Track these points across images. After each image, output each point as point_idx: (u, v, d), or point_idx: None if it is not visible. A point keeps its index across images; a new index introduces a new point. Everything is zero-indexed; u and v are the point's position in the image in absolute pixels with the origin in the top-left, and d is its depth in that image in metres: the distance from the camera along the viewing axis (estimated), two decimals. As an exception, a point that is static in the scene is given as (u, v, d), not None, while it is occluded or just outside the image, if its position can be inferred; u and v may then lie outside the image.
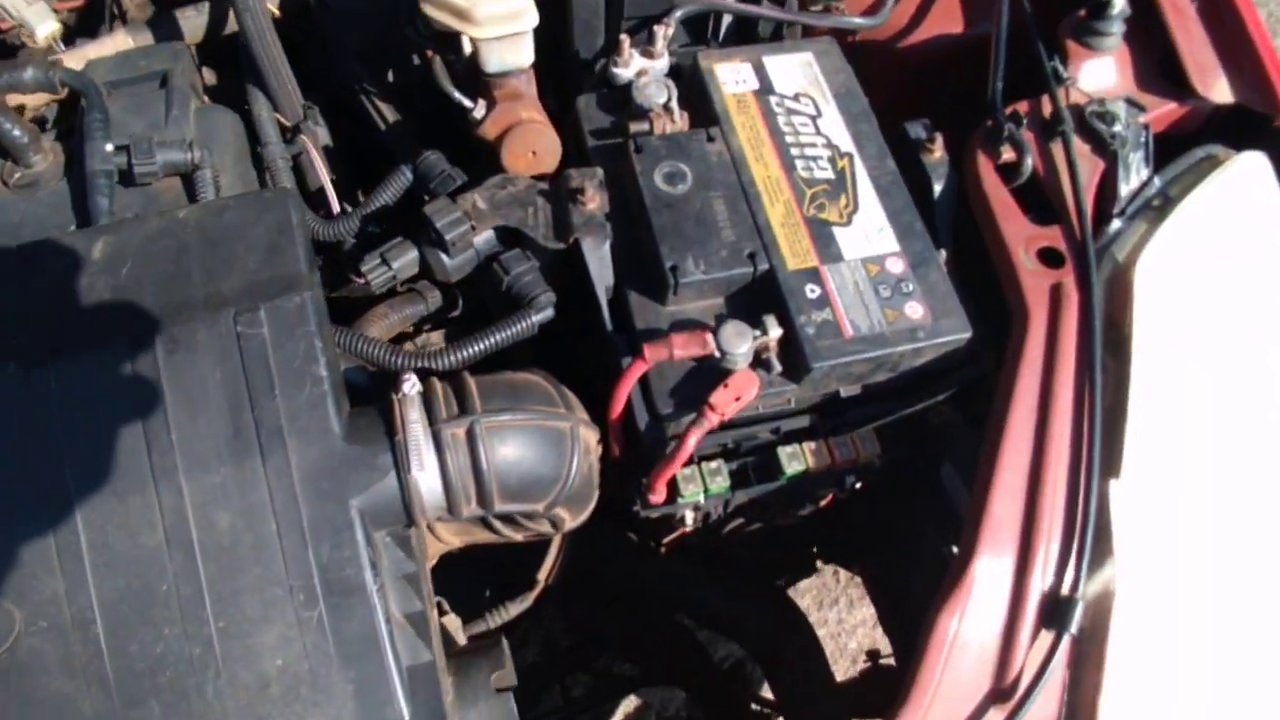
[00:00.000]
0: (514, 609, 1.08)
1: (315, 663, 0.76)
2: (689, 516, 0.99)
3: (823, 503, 1.08)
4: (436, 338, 1.08)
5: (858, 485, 1.05)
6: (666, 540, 1.19)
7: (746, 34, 1.13)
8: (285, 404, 0.78)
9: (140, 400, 0.78)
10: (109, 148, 0.96)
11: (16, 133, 0.99)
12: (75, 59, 1.16)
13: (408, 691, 0.77)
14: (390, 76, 1.22)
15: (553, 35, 1.12)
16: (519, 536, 0.97)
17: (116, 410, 0.78)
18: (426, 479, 0.81)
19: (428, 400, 0.83)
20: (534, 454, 0.85)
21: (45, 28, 1.22)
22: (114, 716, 0.74)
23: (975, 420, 1.05)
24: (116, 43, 1.18)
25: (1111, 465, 0.88)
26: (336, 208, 1.08)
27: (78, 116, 0.99)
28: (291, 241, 0.84)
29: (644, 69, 1.03)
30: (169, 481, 0.77)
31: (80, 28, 1.30)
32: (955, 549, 0.96)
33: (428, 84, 1.10)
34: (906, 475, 1.07)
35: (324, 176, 1.07)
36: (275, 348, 0.80)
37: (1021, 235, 0.94)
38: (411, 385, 0.83)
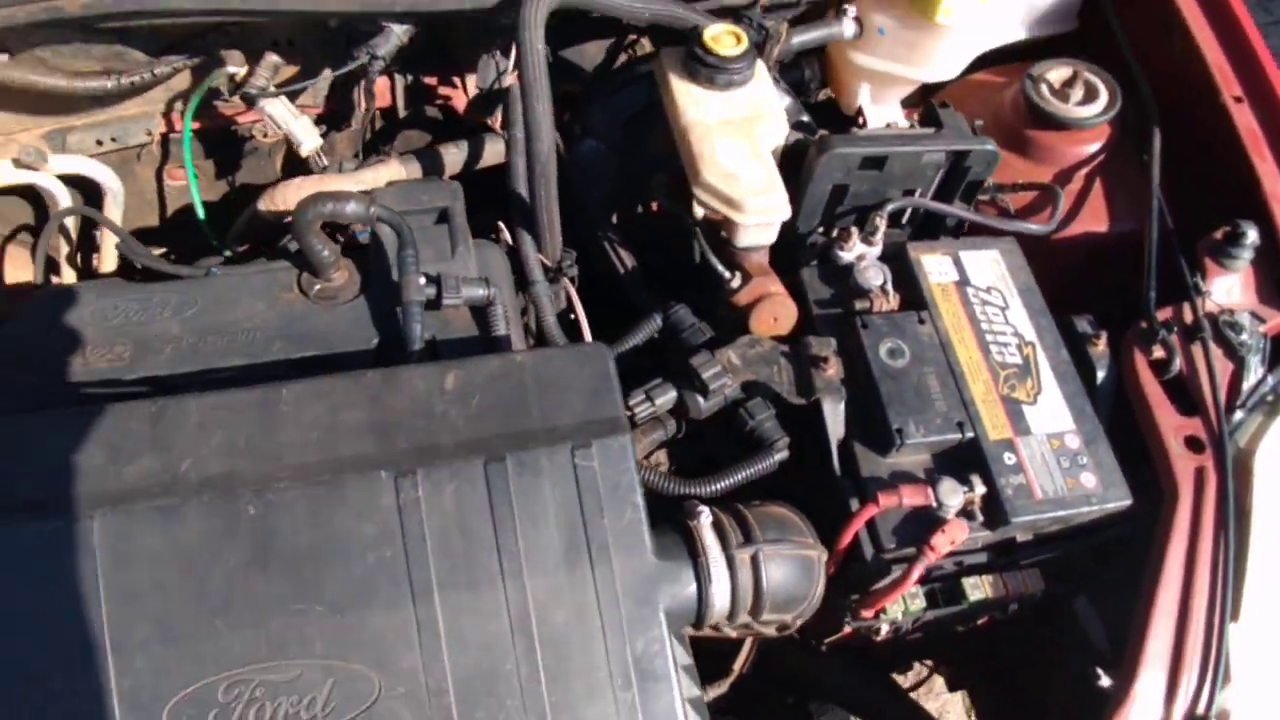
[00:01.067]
0: (712, 692, 1.27)
1: None
2: (884, 630, 1.19)
3: (981, 622, 1.28)
4: (662, 457, 1.28)
5: (1012, 609, 1.25)
6: (828, 640, 1.38)
7: (934, 224, 1.35)
8: (611, 524, 0.98)
9: (494, 510, 0.97)
10: (421, 280, 1.16)
11: (325, 253, 1.18)
12: (351, 181, 1.36)
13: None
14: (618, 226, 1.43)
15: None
16: (742, 633, 1.16)
17: (473, 516, 0.97)
18: (719, 592, 1.01)
19: (719, 528, 1.03)
20: (795, 576, 1.05)
21: (311, 143, 1.43)
22: None
23: (1102, 558, 1.27)
24: (390, 171, 1.39)
25: (1235, 611, 1.10)
26: (589, 340, 1.28)
27: (399, 248, 1.16)
28: (611, 389, 1.04)
29: (863, 254, 1.25)
30: (515, 580, 0.95)
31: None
32: (1100, 672, 1.17)
33: (659, 239, 1.32)
34: (1037, 605, 1.28)
35: (581, 315, 1.28)
36: (604, 478, 0.99)
37: (1171, 424, 1.17)
38: (707, 516, 1.03)
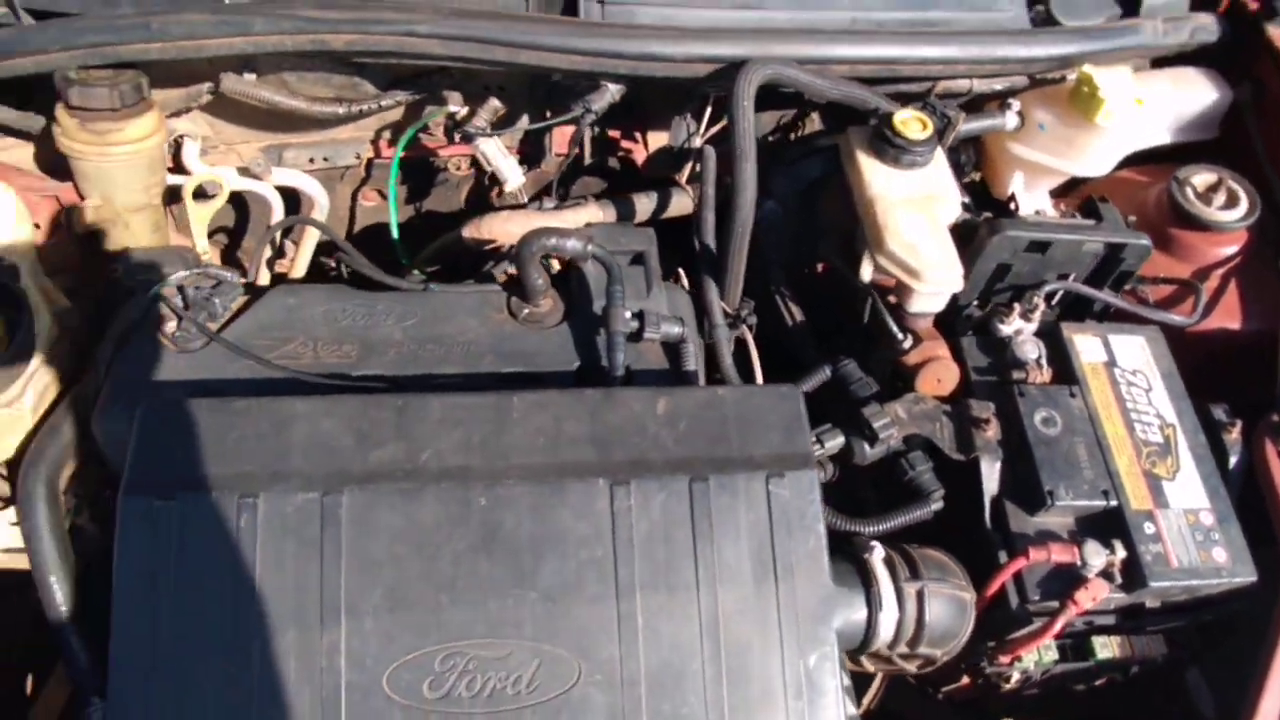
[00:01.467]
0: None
1: None
2: (1015, 678, 1.27)
3: (1100, 683, 1.36)
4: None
5: (1133, 673, 1.33)
6: (945, 689, 1.46)
7: (1083, 307, 1.45)
8: (796, 548, 1.08)
9: (694, 524, 1.08)
10: (626, 314, 1.28)
11: (539, 281, 1.30)
12: (554, 219, 1.49)
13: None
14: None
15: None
16: (881, 669, 1.25)
17: (676, 527, 1.07)
18: (887, 620, 1.11)
19: (890, 563, 1.13)
20: (953, 615, 1.14)
21: (515, 181, 1.58)
22: None
23: (1210, 636, 1.34)
24: (589, 213, 1.52)
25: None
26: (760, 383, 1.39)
27: (609, 283, 1.29)
28: (802, 428, 1.15)
29: (1021, 329, 1.36)
30: (708, 588, 1.06)
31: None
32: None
33: (822, 299, 1.44)
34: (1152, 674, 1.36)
35: (756, 361, 1.39)
36: (792, 507, 1.09)
37: (1297, 509, 1.25)
38: (880, 552, 1.13)
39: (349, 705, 0.98)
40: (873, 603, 1.11)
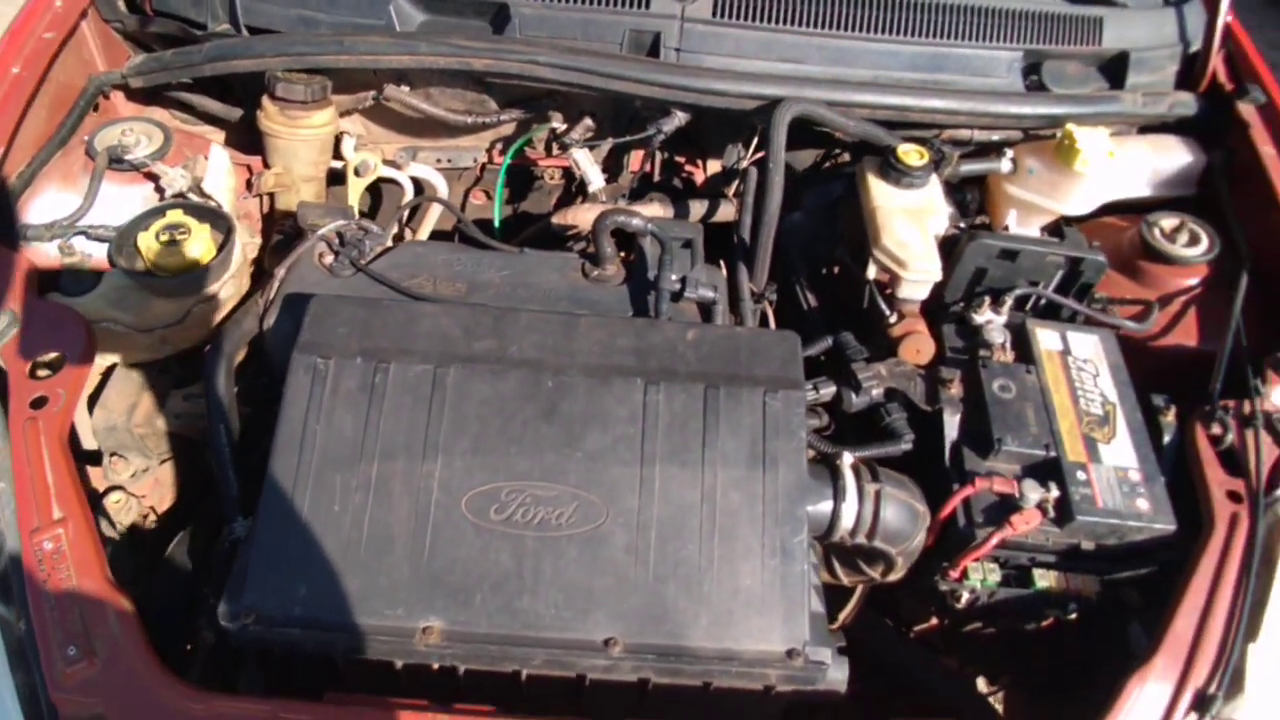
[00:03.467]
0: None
1: (767, 588, 1.31)
2: (965, 597, 1.53)
3: (1045, 623, 1.60)
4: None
5: (1072, 616, 1.57)
6: (916, 628, 1.73)
7: (1051, 315, 1.75)
8: (782, 446, 1.38)
9: (705, 418, 1.40)
10: (674, 278, 1.64)
11: (609, 250, 1.68)
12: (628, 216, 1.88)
13: (813, 624, 1.32)
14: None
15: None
16: (853, 579, 1.54)
17: (691, 419, 1.39)
18: (848, 510, 1.41)
19: (856, 468, 1.44)
20: (905, 518, 1.44)
21: (598, 183, 1.97)
22: (647, 582, 1.27)
23: (1148, 587, 1.57)
24: (653, 209, 1.91)
25: (1253, 633, 1.40)
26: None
27: (661, 253, 1.65)
28: (796, 362, 1.47)
29: (991, 319, 1.67)
30: (711, 467, 1.36)
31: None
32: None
33: (837, 286, 1.77)
34: (1093, 631, 1.59)
35: (773, 325, 1.73)
36: (782, 415, 1.41)
37: (1217, 478, 1.50)
38: (849, 458, 1.45)
39: (435, 518, 1.31)
40: (838, 495, 1.41)
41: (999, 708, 1.81)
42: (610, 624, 1.26)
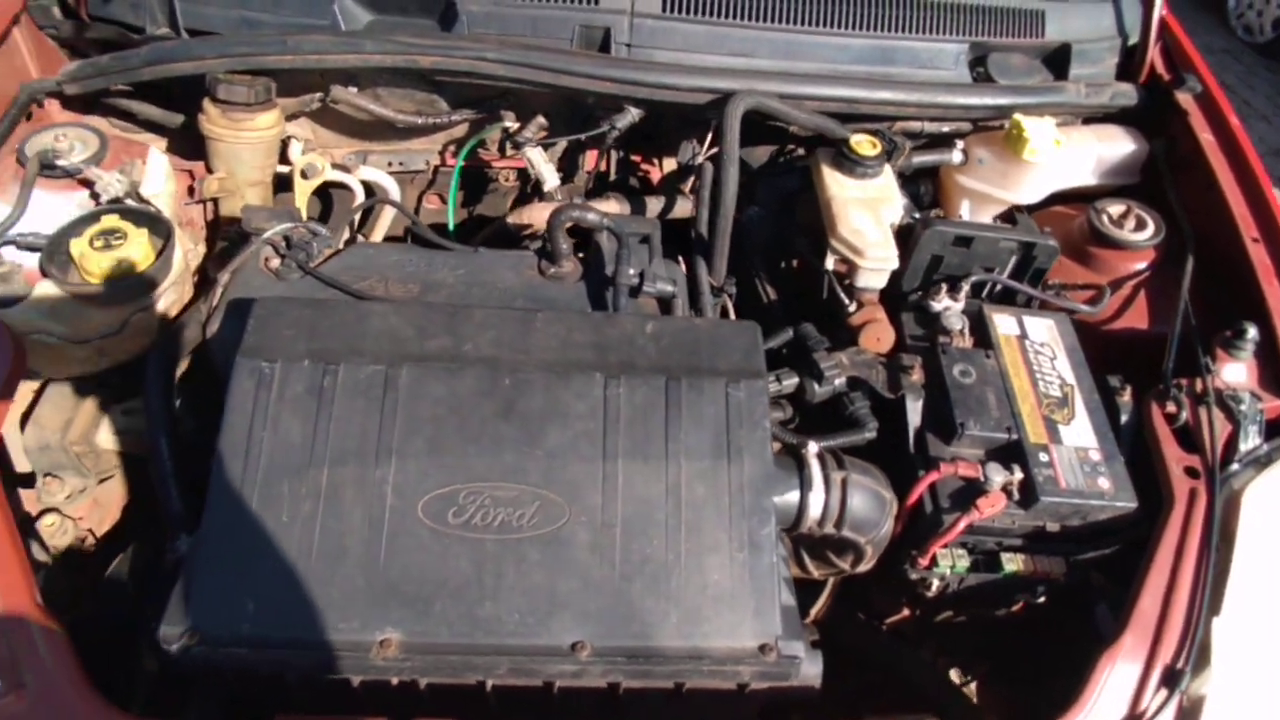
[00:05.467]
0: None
1: (737, 584, 1.28)
2: (935, 584, 1.52)
3: (1015, 608, 1.60)
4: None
5: (1041, 600, 1.57)
6: (889, 621, 1.71)
7: (1007, 302, 1.76)
8: (746, 436, 1.36)
9: (668, 411, 1.37)
10: (632, 273, 1.61)
11: (564, 247, 1.64)
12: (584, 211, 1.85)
13: (785, 618, 1.29)
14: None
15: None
16: (823, 572, 1.52)
17: (653, 413, 1.35)
18: (815, 500, 1.39)
19: (821, 458, 1.42)
20: (872, 505, 1.42)
21: (553, 182, 1.94)
22: (613, 581, 1.23)
23: (1112, 567, 1.57)
24: (610, 206, 1.89)
25: (1216, 607, 1.41)
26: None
27: (618, 248, 1.62)
28: (757, 351, 1.45)
29: (949, 306, 1.67)
30: (675, 460, 1.33)
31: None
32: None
33: (797, 278, 1.76)
34: (1063, 615, 1.59)
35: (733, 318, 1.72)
36: (745, 406, 1.38)
37: (1174, 455, 1.52)
38: (814, 447, 1.43)
39: (390, 524, 1.26)
40: (804, 484, 1.39)
41: (975, 698, 1.80)
42: (577, 627, 1.22)
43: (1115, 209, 1.86)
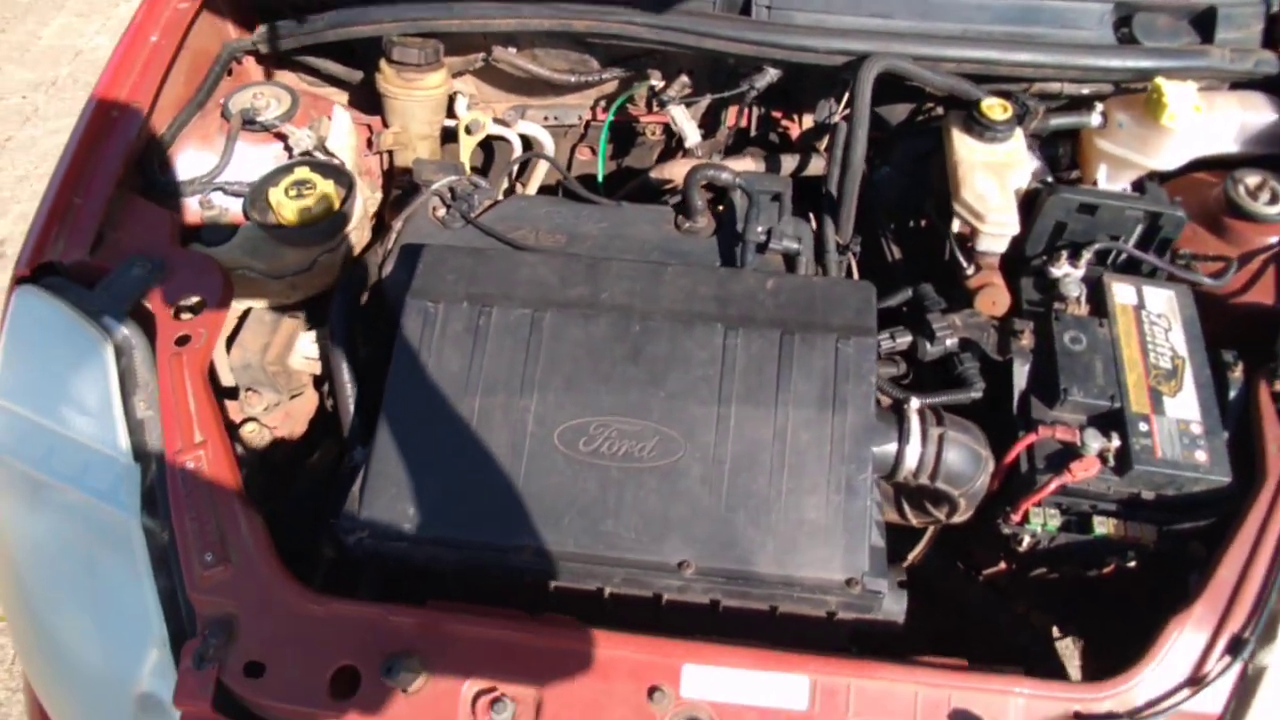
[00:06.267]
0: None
1: (831, 522, 1.40)
2: (1026, 541, 1.61)
3: (1106, 570, 1.67)
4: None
5: (1132, 565, 1.63)
6: (986, 573, 1.81)
7: (1131, 271, 1.78)
8: (852, 390, 1.47)
9: (780, 362, 1.49)
10: (760, 230, 1.73)
11: (699, 203, 1.76)
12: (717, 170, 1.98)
13: (873, 557, 1.42)
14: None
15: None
16: (921, 520, 1.64)
17: (767, 363, 1.48)
18: (911, 451, 1.50)
19: (922, 413, 1.53)
20: (967, 461, 1.52)
21: (695, 139, 2.06)
22: (719, 511, 1.37)
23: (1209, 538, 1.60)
24: (746, 164, 2.00)
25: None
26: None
27: (748, 206, 1.74)
28: (870, 310, 1.54)
29: (1069, 272, 1.71)
30: (784, 407, 1.45)
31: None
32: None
33: (923, 238, 1.84)
34: (1158, 582, 1.65)
35: (856, 276, 1.82)
36: (854, 361, 1.49)
37: (1275, 435, 1.53)
38: (916, 403, 1.53)
39: (530, 448, 1.45)
40: (902, 437, 1.51)
41: (1066, 655, 1.88)
42: (684, 548, 1.39)
43: (1252, 179, 1.83)
